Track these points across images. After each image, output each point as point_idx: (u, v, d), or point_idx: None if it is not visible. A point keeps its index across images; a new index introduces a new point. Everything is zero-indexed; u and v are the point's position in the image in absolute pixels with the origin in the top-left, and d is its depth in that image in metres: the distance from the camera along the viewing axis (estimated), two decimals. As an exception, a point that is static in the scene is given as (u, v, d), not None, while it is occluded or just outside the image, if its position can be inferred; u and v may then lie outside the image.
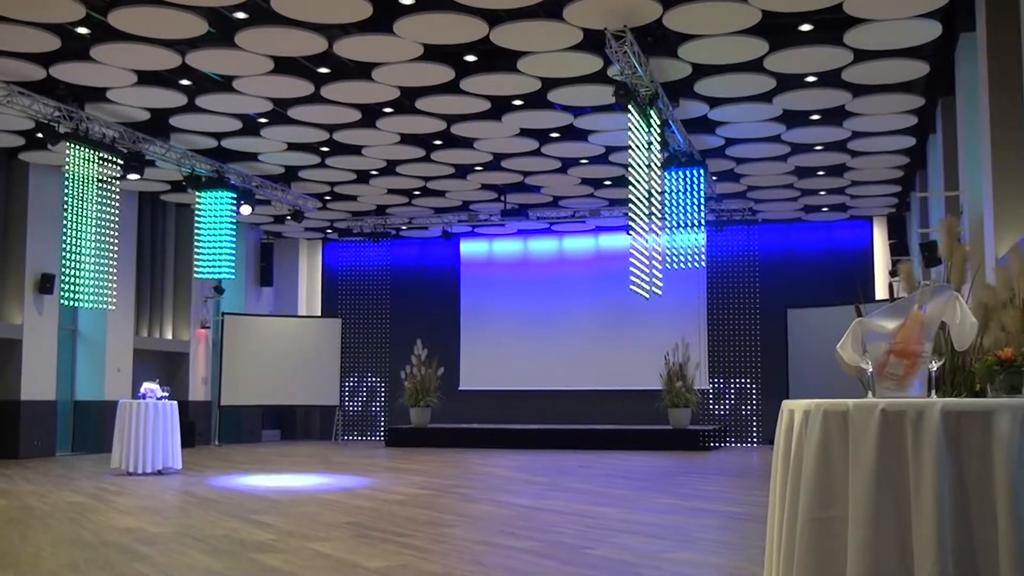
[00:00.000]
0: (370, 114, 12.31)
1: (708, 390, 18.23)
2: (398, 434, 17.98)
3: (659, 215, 11.72)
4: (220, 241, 14.65)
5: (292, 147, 13.88)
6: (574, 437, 17.05)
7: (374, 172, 15.34)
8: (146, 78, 10.98)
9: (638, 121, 10.61)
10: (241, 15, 9.30)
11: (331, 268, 20.84)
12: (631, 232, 11.12)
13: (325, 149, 14.02)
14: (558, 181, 15.79)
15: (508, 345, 19.57)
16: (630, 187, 10.92)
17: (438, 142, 13.67)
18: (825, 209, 17.61)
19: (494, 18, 9.32)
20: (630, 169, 10.88)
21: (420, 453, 15.75)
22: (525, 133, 13.11)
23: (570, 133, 13.08)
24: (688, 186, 12.78)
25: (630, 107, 10.39)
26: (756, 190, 16.30)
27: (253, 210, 15.40)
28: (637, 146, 10.74)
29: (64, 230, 12.36)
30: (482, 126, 12.78)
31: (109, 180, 12.69)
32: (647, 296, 11.38)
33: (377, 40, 9.78)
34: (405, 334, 19.34)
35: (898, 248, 15.63)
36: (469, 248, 20.17)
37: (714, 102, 11.72)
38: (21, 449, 14.02)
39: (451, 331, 19.86)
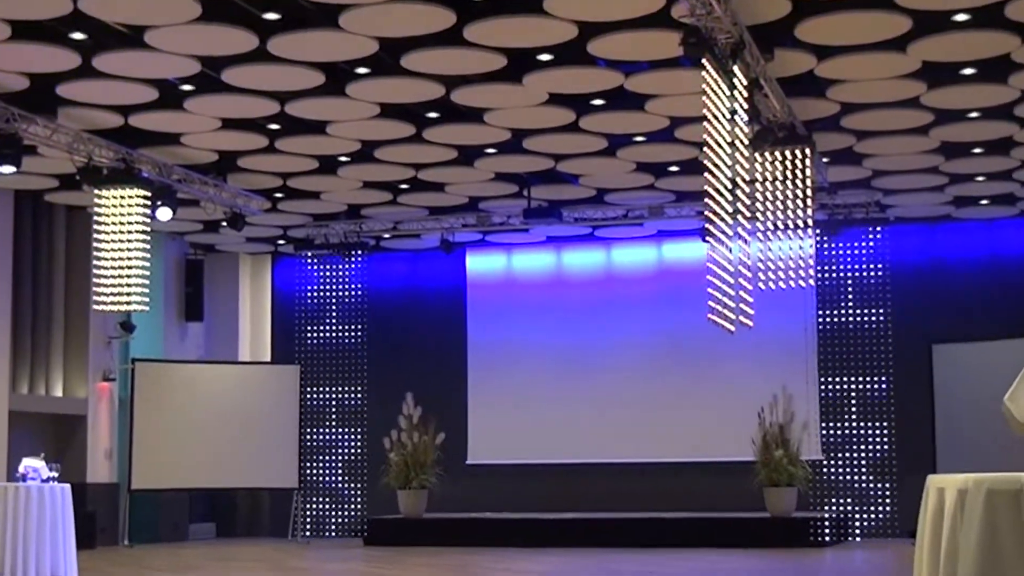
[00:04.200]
0: (337, 77, 12.36)
1: (821, 461, 18.11)
2: (382, 528, 17.91)
3: (748, 214, 11.70)
4: (129, 258, 14.71)
5: (228, 125, 13.95)
6: (630, 530, 16.94)
7: (344, 158, 15.39)
8: (24, 31, 11.06)
9: (716, 81, 10.61)
10: (156, -59, 9.38)
11: (285, 294, 20.88)
12: (708, 239, 11.10)
13: (275, 127, 14.08)
14: (604, 167, 15.79)
15: (535, 400, 19.51)
16: (706, 175, 10.90)
17: (433, 115, 13.70)
18: (984, 202, 17.53)
19: (511, -61, 9.38)
20: (706, 149, 10.88)
21: (412, 554, 15.69)
22: (556, 100, 13.13)
23: (620, 99, 13.08)
24: (789, 172, 12.74)
25: (705, 61, 10.39)
26: (885, 176, 16.24)
27: (175, 214, 15.46)
28: (715, 116, 10.74)
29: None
30: (495, 91, 12.81)
31: (-27, 174, 12.79)
32: (732, 329, 11.33)
33: (347, -27, 9.86)
34: (390, 386, 19.33)
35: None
36: (479, 263, 20.18)
37: (824, 52, 11.71)
38: None
39: (454, 381, 19.83)
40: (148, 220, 14.78)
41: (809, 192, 12.79)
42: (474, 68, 12.11)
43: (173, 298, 19.81)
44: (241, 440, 18.40)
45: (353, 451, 20.10)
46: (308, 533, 19.73)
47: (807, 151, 12.82)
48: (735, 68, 10.74)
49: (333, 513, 20.17)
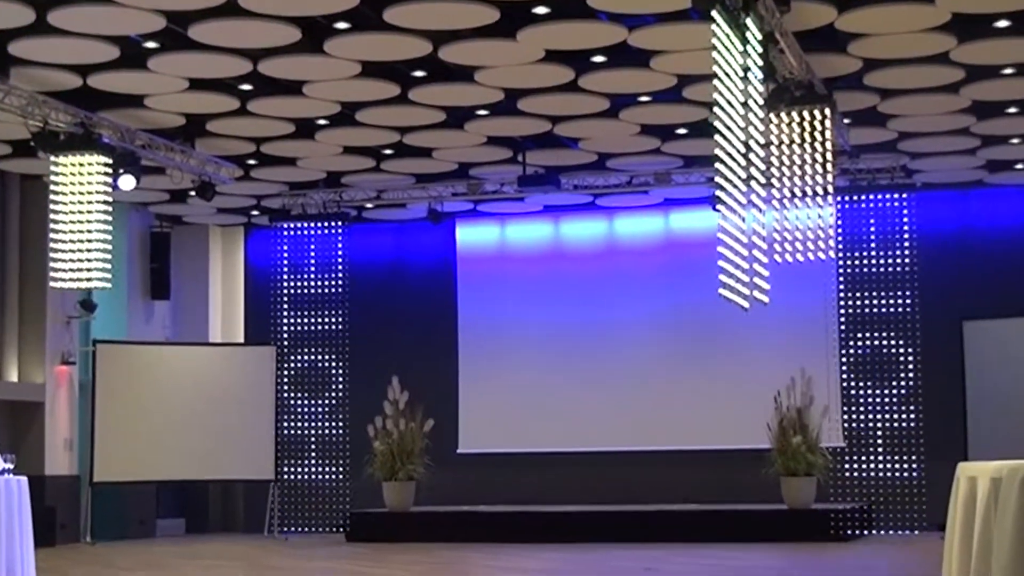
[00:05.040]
0: (315, 32, 12.33)
1: (842, 448, 18.15)
2: (365, 522, 17.94)
3: (762, 180, 11.70)
4: (89, 231, 14.70)
5: (197, 85, 13.92)
6: (635, 524, 17.00)
7: (322, 121, 15.36)
8: (-27, -17, 11.04)
9: (728, 35, 10.60)
10: None
11: (258, 270, 20.85)
12: (719, 207, 11.10)
13: (247, 88, 14.05)
14: (606, 130, 15.78)
15: (532, 384, 19.54)
16: (717, 138, 10.90)
17: (420, 73, 13.68)
18: (1020, 166, 17.56)
19: None
20: (717, 110, 10.87)
21: (398, 550, 15.71)
22: (553, 57, 13.11)
23: (623, 56, 13.07)
24: (807, 134, 12.74)
25: (715, 14, 10.38)
26: (912, 138, 16.24)
27: (139, 183, 15.44)
28: (727, 74, 10.73)
29: None
30: (487, 48, 12.79)
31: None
32: (746, 306, 11.35)
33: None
34: (374, 369, 19.33)
35: None
36: (470, 235, 20.19)
37: (845, 3, 11.69)
38: None
39: (444, 363, 19.85)
40: (109, 189, 14.75)
41: (829, 156, 12.77)
42: (464, 22, 12.08)
43: (137, 274, 19.77)
44: (212, 428, 18.40)
45: (334, 440, 20.10)
46: (286, 529, 19.75)
47: (827, 111, 12.81)
48: (748, 21, 10.73)
49: (313, 507, 20.17)
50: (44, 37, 12.23)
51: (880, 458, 18.24)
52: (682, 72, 13.53)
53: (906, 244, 18.41)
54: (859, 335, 18.48)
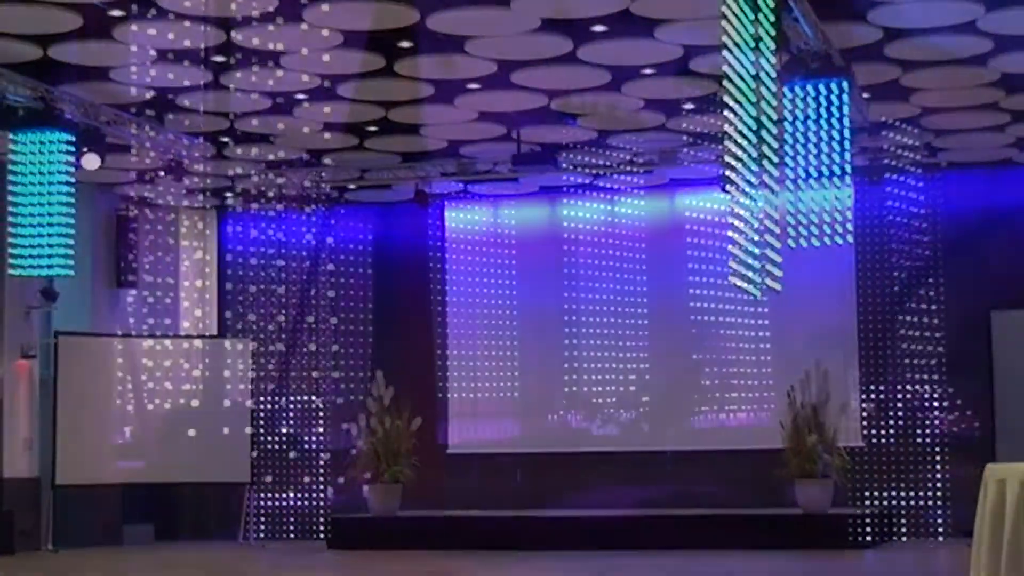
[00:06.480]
0: (294, 0, 12.34)
1: (862, 448, 18.17)
2: (348, 528, 17.96)
3: (775, 159, 11.70)
4: (50, 215, 14.68)
5: (166, 57, 13.90)
6: (638, 530, 17.01)
7: (301, 95, 15.36)
8: (-77, -54, 11.01)
9: (738, 2, 10.58)
10: None
11: (233, 256, 20.81)
12: (729, 188, 11.10)
13: (220, 59, 14.03)
14: (607, 106, 15.77)
15: (527, 379, 19.56)
16: (727, 113, 10.90)
17: (406, 44, 13.67)
18: (1052, 144, 17.59)
19: None
20: (727, 83, 10.86)
21: (383, 558, 15.72)
22: (550, 26, 13.11)
23: (625, 25, 13.06)
24: (823, 110, 12.74)
25: (725, -20, 10.38)
26: (937, 114, 16.25)
27: (103, 162, 15.42)
28: (738, 44, 10.72)
29: None
30: (479, 17, 12.77)
31: None
32: (757, 294, 11.36)
33: None
34: (357, 363, 19.34)
35: None
36: (460, 218, 20.18)
37: (864, -31, 11.71)
38: None
39: (432, 357, 19.84)
40: (72, 169, 14.75)
41: (847, 133, 12.78)
42: (454, -11, 12.10)
43: (102, 261, 19.74)
44: (184, 427, 18.35)
45: (314, 439, 20.09)
46: (262, 535, 19.76)
47: (844, 85, 12.81)
48: (761, -13, 10.74)
49: (291, 511, 20.16)
50: (0, 5, 12.21)
51: (902, 459, 18.26)
52: (689, 43, 13.52)
53: (930, 228, 18.41)
54: (879, 326, 18.49)
